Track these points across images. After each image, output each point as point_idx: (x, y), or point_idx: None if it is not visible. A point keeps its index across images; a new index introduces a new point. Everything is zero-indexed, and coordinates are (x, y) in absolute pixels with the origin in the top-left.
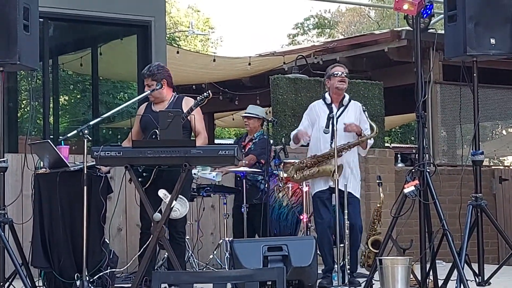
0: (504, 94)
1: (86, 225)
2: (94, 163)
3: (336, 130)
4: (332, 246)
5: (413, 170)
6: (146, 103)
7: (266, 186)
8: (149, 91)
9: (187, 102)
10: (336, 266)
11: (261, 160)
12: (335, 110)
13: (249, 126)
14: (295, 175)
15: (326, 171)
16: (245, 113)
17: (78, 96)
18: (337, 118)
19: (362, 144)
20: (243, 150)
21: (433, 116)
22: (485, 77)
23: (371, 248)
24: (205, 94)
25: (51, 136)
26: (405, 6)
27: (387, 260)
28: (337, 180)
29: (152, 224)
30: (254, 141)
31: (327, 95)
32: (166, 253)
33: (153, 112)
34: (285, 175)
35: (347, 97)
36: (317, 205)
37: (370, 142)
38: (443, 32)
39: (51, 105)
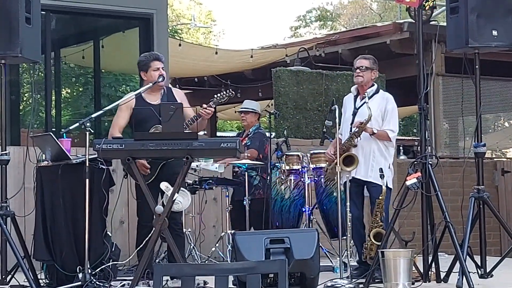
0: (506, 86)
1: (88, 218)
2: (96, 155)
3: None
4: (364, 239)
5: (415, 162)
6: (133, 95)
7: (260, 181)
8: (151, 84)
9: (178, 94)
10: (339, 258)
11: (260, 155)
12: (358, 102)
13: (246, 121)
14: (328, 171)
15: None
16: (242, 108)
17: (80, 89)
18: (357, 109)
19: (378, 137)
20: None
21: (435, 108)
22: (487, 69)
23: (373, 241)
24: (224, 92)
25: (53, 129)
26: None
27: (389, 253)
28: (339, 172)
29: (154, 217)
30: (250, 136)
31: (353, 88)
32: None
33: (150, 105)
34: (287, 167)
35: (373, 88)
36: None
37: (393, 134)
38: (445, 24)
39: (53, 98)
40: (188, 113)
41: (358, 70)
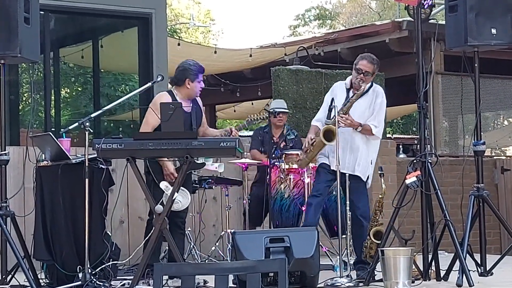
0: (505, 84)
1: (88, 217)
2: (95, 155)
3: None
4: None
5: (415, 161)
6: (169, 96)
7: (269, 178)
8: (150, 83)
9: (200, 103)
10: (338, 257)
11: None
12: (351, 94)
13: (283, 121)
14: (300, 160)
15: (319, 141)
16: (280, 108)
17: (79, 89)
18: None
19: (362, 131)
20: (274, 146)
21: (434, 106)
22: (486, 67)
23: (373, 239)
24: (257, 114)
25: (53, 129)
26: None
27: (389, 251)
28: (339, 171)
29: (155, 216)
30: (290, 138)
31: (348, 79)
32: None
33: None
34: (286, 166)
35: (367, 85)
36: (318, 173)
37: (376, 130)
38: (444, 22)
39: (53, 97)
40: (203, 122)
41: (362, 75)
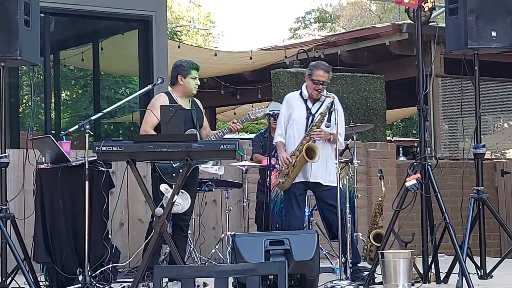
0: (505, 87)
1: (88, 220)
2: (95, 158)
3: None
4: None
5: (415, 164)
6: (166, 96)
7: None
8: (150, 86)
9: (200, 104)
10: (338, 260)
11: None
12: (310, 105)
13: None
14: (282, 182)
15: (302, 159)
16: (278, 111)
17: (79, 91)
18: (314, 114)
19: (332, 142)
20: (275, 149)
21: (434, 109)
22: (486, 70)
23: (373, 242)
24: (258, 108)
25: (53, 131)
26: (406, 0)
27: (389, 254)
28: (339, 173)
29: (155, 218)
30: None
31: (304, 89)
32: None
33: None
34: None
35: (324, 92)
36: (289, 198)
37: (342, 138)
38: (444, 25)
39: (53, 100)
40: (205, 125)
41: (321, 86)
